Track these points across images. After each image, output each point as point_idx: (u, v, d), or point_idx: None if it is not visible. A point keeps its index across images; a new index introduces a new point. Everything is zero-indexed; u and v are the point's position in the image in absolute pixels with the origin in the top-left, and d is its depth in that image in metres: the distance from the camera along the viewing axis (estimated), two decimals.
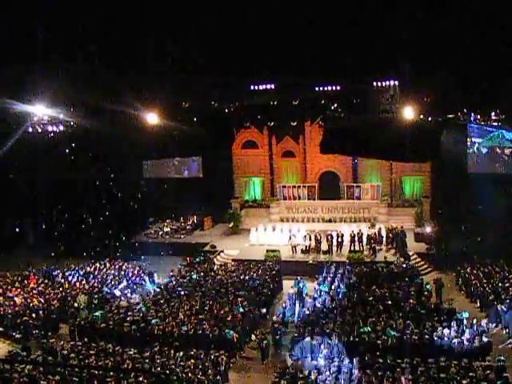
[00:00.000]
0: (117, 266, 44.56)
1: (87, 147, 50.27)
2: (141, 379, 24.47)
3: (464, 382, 24.25)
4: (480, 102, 40.09)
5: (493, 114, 44.65)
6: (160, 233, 54.66)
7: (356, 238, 46.37)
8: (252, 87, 44.01)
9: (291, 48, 39.81)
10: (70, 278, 42.00)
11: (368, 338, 29.27)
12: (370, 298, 34.93)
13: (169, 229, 55.27)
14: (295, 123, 54.47)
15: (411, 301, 34.58)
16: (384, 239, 47.83)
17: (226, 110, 47.04)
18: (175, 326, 31.24)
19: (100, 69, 39.53)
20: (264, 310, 35.42)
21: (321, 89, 43.71)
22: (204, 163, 58.85)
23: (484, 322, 31.19)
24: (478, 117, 45.82)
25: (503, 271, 40.61)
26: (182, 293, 37.17)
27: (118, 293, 39.24)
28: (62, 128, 46.85)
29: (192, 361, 26.86)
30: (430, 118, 43.43)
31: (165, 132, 45.51)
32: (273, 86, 43.80)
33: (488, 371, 25.50)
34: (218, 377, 26.47)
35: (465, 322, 31.51)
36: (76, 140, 49.27)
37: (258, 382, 27.58)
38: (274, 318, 32.14)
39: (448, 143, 46.83)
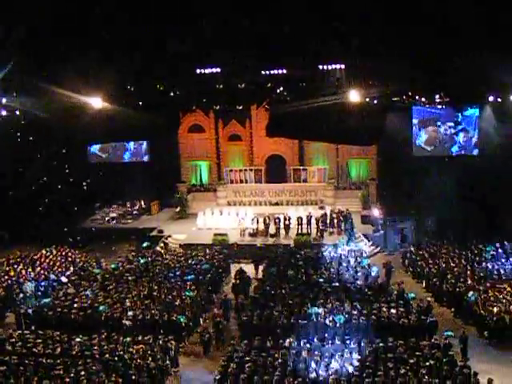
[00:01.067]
0: (63, 253, 44.05)
1: (31, 132, 49.51)
2: (89, 366, 24.44)
3: (411, 361, 24.61)
4: (424, 84, 40.44)
5: (437, 96, 45.11)
6: (107, 218, 54.17)
7: (303, 221, 46.62)
8: (198, 71, 43.73)
9: (237, 31, 39.65)
10: (15, 265, 41.44)
11: (316, 319, 29.50)
12: (320, 280, 35.21)
13: (116, 214, 54.78)
14: (241, 107, 54.47)
15: (358, 282, 34.97)
16: (334, 222, 48.09)
17: (172, 94, 46.74)
18: (123, 311, 31.12)
19: (43, 53, 38.89)
20: (213, 296, 35.48)
21: (267, 72, 43.62)
22: (150, 147, 58.52)
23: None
24: (423, 99, 46.27)
25: (448, 251, 41.24)
26: (130, 278, 36.97)
27: (64, 279, 38.88)
28: (4, 113, 46.07)
29: (141, 346, 26.84)
30: (375, 102, 43.73)
31: (110, 116, 45.06)
32: (219, 70, 43.58)
33: (434, 350, 25.94)
34: (168, 362, 26.50)
35: (411, 302, 32.04)
36: (20, 125, 48.46)
37: (208, 366, 27.64)
38: (215, 310, 32.07)
39: (393, 126, 47.30)
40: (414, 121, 52.65)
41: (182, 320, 30.03)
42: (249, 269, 38.77)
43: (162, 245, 45.64)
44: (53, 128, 45.77)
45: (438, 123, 52.91)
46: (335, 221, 47.86)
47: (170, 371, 26.41)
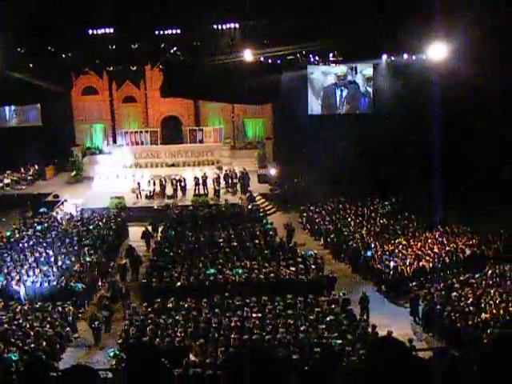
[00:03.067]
0: None
1: None
2: None
3: (311, 317, 25.06)
4: (318, 43, 40.71)
5: (331, 55, 45.54)
6: (0, 185, 52.91)
7: (200, 182, 46.57)
8: (90, 32, 42.87)
9: None
10: None
11: (215, 279, 29.68)
12: (219, 240, 35.39)
13: (9, 180, 53.42)
14: (135, 68, 53.79)
15: (257, 241, 35.28)
16: (229, 182, 48.24)
17: (64, 56, 45.72)
18: (20, 279, 30.58)
19: None
20: (112, 263, 35.09)
21: (160, 32, 43.15)
22: (43, 111, 57.20)
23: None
24: (317, 58, 46.63)
25: (344, 208, 42.00)
26: (26, 245, 36.30)
27: None
28: None
29: (39, 313, 26.52)
30: (269, 61, 43.83)
31: (1, 79, 43.82)
32: (111, 30, 42.81)
33: (333, 305, 26.48)
34: (68, 328, 26.26)
35: (310, 259, 32.55)
36: None
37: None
38: (102, 291, 31.60)
39: (288, 85, 47.57)
40: (309, 79, 53.04)
41: (78, 287, 29.69)
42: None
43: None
44: None
45: (332, 82, 53.44)
46: (231, 181, 47.94)
47: (70, 338, 26.17)
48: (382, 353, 4.73)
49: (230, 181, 47.86)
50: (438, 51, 38.17)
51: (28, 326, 25.37)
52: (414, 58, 44.30)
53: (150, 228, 39.06)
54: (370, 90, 53.07)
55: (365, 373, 4.91)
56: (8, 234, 39.26)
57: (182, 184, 46.42)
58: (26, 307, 27.38)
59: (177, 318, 25.52)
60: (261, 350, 5.85)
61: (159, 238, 38.14)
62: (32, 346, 23.53)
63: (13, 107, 57.35)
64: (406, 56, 44.98)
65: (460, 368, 5.15)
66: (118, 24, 42.08)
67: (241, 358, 5.04)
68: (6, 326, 25.31)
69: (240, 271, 30.35)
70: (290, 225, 39.00)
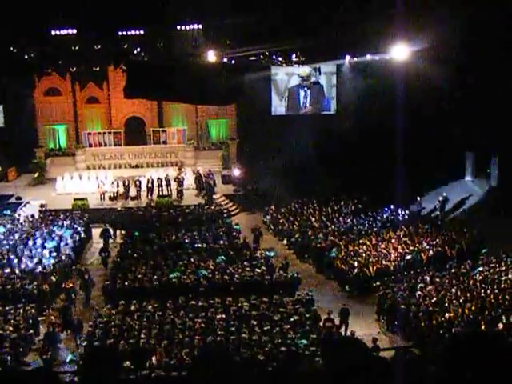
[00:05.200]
0: None
1: None
2: None
3: (275, 317, 25.10)
4: (281, 44, 40.79)
5: (294, 56, 45.62)
6: None
7: (164, 183, 46.49)
8: (53, 32, 42.57)
9: None
10: None
11: (179, 281, 29.64)
12: (183, 242, 35.39)
13: None
14: (98, 69, 53.52)
15: (221, 242, 35.32)
16: (191, 183, 48.24)
17: (26, 56, 45.35)
18: None
19: None
20: (74, 267, 34.81)
21: (124, 33, 42.98)
22: (5, 112, 56.68)
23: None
24: (280, 59, 46.71)
25: (308, 209, 42.15)
26: None
27: None
28: None
29: (1, 317, 26.32)
30: (233, 62, 43.84)
31: None
32: (74, 31, 42.56)
33: (298, 305, 26.55)
34: (31, 331, 26.08)
35: (272, 260, 32.68)
36: None
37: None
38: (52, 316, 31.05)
39: (252, 86, 47.64)
40: (273, 80, 53.20)
41: (32, 287, 29.50)
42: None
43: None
44: None
45: (296, 83, 53.64)
46: (191, 182, 47.98)
47: (34, 340, 25.97)
48: (338, 352, 4.76)
49: (195, 182, 47.75)
50: (400, 52, 38.40)
51: None
52: (377, 58, 44.52)
53: (109, 227, 38.97)
54: (333, 90, 53.33)
55: (329, 373, 4.93)
56: None
57: (149, 185, 46.25)
58: None
59: (141, 319, 25.43)
60: (224, 352, 5.86)
61: (122, 240, 38.03)
62: None
63: None
64: (369, 56, 45.19)
65: (420, 367, 5.19)
66: (80, 24, 41.84)
67: (205, 360, 5.04)
68: None
69: (204, 272, 30.37)
70: (257, 229, 38.89)
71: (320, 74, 53.02)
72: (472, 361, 4.87)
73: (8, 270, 31.70)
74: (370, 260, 32.18)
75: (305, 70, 52.50)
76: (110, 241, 38.13)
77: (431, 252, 33.86)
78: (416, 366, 5.27)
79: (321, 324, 25.18)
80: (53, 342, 25.01)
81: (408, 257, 33.07)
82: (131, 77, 46.87)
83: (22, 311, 27.06)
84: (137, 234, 37.61)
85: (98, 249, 36.64)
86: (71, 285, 30.23)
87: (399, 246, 34.32)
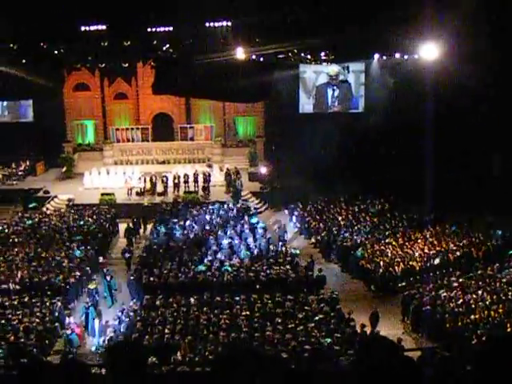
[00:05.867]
0: None
1: None
2: None
3: (300, 315, 25.08)
4: (311, 42, 40.67)
5: (322, 54, 45.49)
6: None
7: (191, 179, 46.55)
8: (83, 28, 42.75)
9: None
10: None
11: (204, 277, 29.71)
12: (208, 238, 35.44)
13: (0, 175, 53.37)
14: (127, 65, 53.71)
15: (248, 239, 35.34)
16: (218, 179, 48.28)
17: (56, 52, 45.59)
18: (10, 274, 30.54)
19: None
20: (101, 259, 35.09)
21: (153, 30, 43.09)
22: (35, 107, 57.09)
23: None
24: (309, 57, 46.59)
25: (335, 207, 42.05)
26: (16, 240, 36.26)
27: None
28: None
29: (28, 310, 26.51)
30: (261, 59, 43.80)
31: None
32: (104, 27, 42.72)
33: (322, 304, 26.50)
34: (56, 323, 26.24)
35: (297, 258, 32.66)
36: None
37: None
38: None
39: (280, 83, 47.56)
40: (301, 78, 53.14)
41: (59, 279, 29.66)
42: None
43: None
44: None
45: (324, 81, 53.55)
46: (225, 179, 47.96)
47: (59, 333, 26.13)
48: (371, 352, 4.74)
49: (229, 180, 47.72)
50: (429, 51, 38.16)
51: (17, 320, 25.33)
52: (405, 57, 44.31)
53: (132, 226, 39.04)
54: (361, 88, 53.17)
55: (354, 372, 4.92)
56: None
57: (176, 181, 46.37)
58: (15, 302, 27.34)
59: (166, 315, 25.51)
60: (250, 349, 5.86)
61: (148, 235, 38.18)
62: (22, 340, 23.53)
63: (5, 103, 57.26)
64: (397, 55, 44.99)
65: (449, 368, 5.17)
66: (110, 21, 42.00)
67: (230, 356, 5.05)
68: None
69: (229, 269, 30.42)
70: (281, 228, 38.77)
71: (348, 72, 52.85)
72: (507, 363, 4.84)
73: (35, 263, 31.97)
74: (396, 260, 32.07)
75: (333, 68, 52.37)
76: (136, 237, 38.15)
77: (458, 253, 33.65)
78: (445, 366, 5.24)
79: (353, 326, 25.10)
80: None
81: (435, 258, 32.89)
82: (160, 73, 47.06)
83: (48, 304, 27.24)
84: (163, 229, 37.70)
85: (123, 245, 36.86)
86: (94, 285, 29.78)
87: (425, 247, 34.16)
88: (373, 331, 25.57)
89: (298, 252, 34.13)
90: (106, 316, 27.38)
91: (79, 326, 25.99)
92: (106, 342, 23.85)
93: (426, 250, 33.65)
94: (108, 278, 30.72)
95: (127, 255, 34.84)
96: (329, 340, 22.69)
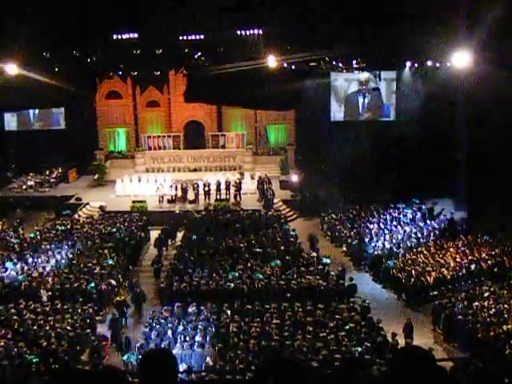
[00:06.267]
0: None
1: None
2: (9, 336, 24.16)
3: (331, 324, 25.00)
4: (342, 50, 40.63)
5: (354, 62, 45.41)
6: (24, 186, 53.05)
7: (222, 187, 46.61)
8: (115, 36, 43.10)
9: None
10: None
11: (235, 284, 29.72)
12: (239, 246, 35.46)
13: (33, 182, 53.69)
14: (159, 73, 54.00)
15: (278, 247, 35.28)
16: (249, 187, 48.29)
17: (89, 60, 45.96)
18: (42, 281, 30.77)
19: None
20: (130, 267, 35.21)
21: (184, 38, 43.32)
22: (67, 114, 57.62)
23: None
24: (340, 65, 46.53)
25: (366, 215, 41.89)
26: (49, 246, 36.52)
27: None
28: None
29: (59, 316, 26.67)
30: (293, 67, 43.81)
31: (25, 83, 44.04)
32: (136, 35, 43.04)
33: (353, 313, 26.40)
34: (88, 330, 26.36)
35: (327, 267, 32.54)
36: None
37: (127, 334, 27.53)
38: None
39: (311, 91, 47.56)
40: (332, 86, 53.14)
41: (92, 286, 29.78)
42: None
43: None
44: None
45: (355, 88, 53.49)
46: (257, 187, 47.95)
47: (90, 340, 26.21)
48: (407, 362, 4.68)
49: (262, 188, 47.64)
50: (462, 58, 37.93)
51: (49, 326, 25.49)
52: (437, 65, 44.06)
53: (163, 236, 38.99)
54: (393, 96, 53.03)
55: (389, 382, 4.87)
56: (31, 235, 39.56)
57: (206, 189, 46.45)
58: (47, 308, 27.53)
59: (197, 322, 25.55)
60: (288, 359, 5.81)
61: (179, 243, 38.24)
62: (53, 346, 23.66)
63: (37, 111, 57.82)
64: (429, 63, 44.75)
65: (487, 380, 5.09)
66: (142, 29, 42.28)
67: (267, 365, 5.00)
68: (27, 326, 25.45)
69: (260, 276, 30.42)
70: (314, 236, 38.69)
71: (380, 79, 52.76)
72: None
73: (67, 270, 32.20)
74: (428, 269, 31.85)
75: (364, 75, 52.33)
76: (165, 248, 38.14)
77: (490, 262, 33.36)
78: (483, 377, 5.16)
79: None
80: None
81: (469, 267, 32.63)
82: (191, 81, 47.26)
83: (79, 311, 27.40)
84: (194, 236, 37.77)
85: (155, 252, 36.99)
86: (123, 297, 29.64)
87: (457, 256, 33.91)
88: (407, 342, 25.40)
89: (328, 261, 34.02)
90: (133, 330, 27.54)
91: (106, 337, 25.94)
92: (137, 349, 23.91)
93: (458, 259, 33.40)
94: (136, 289, 30.47)
95: (156, 266, 34.74)
96: (359, 349, 22.60)
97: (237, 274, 30.63)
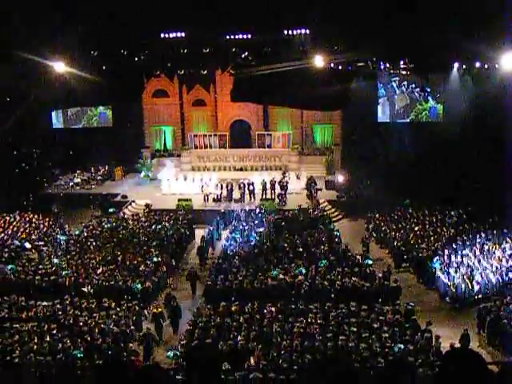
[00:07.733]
0: (27, 219, 43.61)
1: None
2: (54, 331, 24.40)
3: (375, 325, 24.85)
4: (390, 51, 40.48)
5: (401, 62, 45.17)
6: (70, 184, 53.59)
7: (268, 186, 46.61)
8: (162, 35, 43.39)
9: None
10: None
11: (279, 283, 29.67)
12: (284, 245, 35.41)
13: (79, 179, 54.26)
14: (206, 72, 54.22)
15: (322, 247, 35.14)
16: (294, 187, 48.22)
17: (136, 59, 46.33)
18: (87, 277, 31.04)
19: (5, 16, 38.26)
20: (173, 263, 35.32)
21: (231, 37, 43.47)
22: (114, 112, 58.12)
23: None
24: (387, 65, 46.31)
25: (412, 217, 41.61)
26: (94, 244, 36.84)
27: (28, 245, 38.63)
28: None
29: (104, 312, 26.86)
30: (340, 67, 43.71)
31: (73, 81, 44.51)
32: (183, 35, 43.28)
33: (397, 315, 26.21)
34: (132, 326, 26.50)
35: (371, 268, 32.38)
36: None
37: (171, 331, 27.67)
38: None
39: (358, 92, 47.35)
40: (379, 86, 52.85)
41: (138, 287, 29.91)
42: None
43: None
44: (14, 93, 45.05)
45: (404, 89, 53.12)
46: (306, 187, 47.84)
47: (135, 336, 26.35)
48: (458, 364, 4.65)
49: (311, 188, 47.50)
50: (510, 60, 37.51)
51: (93, 323, 25.69)
52: (486, 66, 43.62)
53: (203, 244, 38.18)
54: (440, 98, 52.57)
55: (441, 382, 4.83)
56: (77, 232, 39.95)
57: (251, 188, 46.48)
58: (92, 304, 27.74)
59: (240, 321, 25.55)
60: (341, 361, 5.81)
61: (224, 242, 38.26)
62: (98, 342, 23.84)
63: (84, 109, 58.31)
64: (478, 65, 44.33)
65: None
66: (189, 28, 42.48)
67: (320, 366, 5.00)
68: (72, 322, 25.69)
69: (303, 270, 30.37)
70: (365, 238, 38.44)
71: (427, 80, 52.30)
72: None
73: (112, 267, 32.44)
74: (473, 272, 31.52)
75: (411, 76, 51.93)
76: (206, 256, 37.77)
77: None
78: None
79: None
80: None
81: None
82: (238, 80, 47.37)
83: (124, 308, 27.58)
84: (238, 235, 37.83)
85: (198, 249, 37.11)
86: (160, 309, 28.29)
87: (503, 259, 33.50)
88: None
89: (371, 262, 33.84)
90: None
91: (137, 353, 25.46)
92: (180, 347, 23.96)
93: (504, 263, 33.00)
94: (173, 303, 28.96)
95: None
96: (400, 347, 22.47)
97: (279, 273, 30.57)
